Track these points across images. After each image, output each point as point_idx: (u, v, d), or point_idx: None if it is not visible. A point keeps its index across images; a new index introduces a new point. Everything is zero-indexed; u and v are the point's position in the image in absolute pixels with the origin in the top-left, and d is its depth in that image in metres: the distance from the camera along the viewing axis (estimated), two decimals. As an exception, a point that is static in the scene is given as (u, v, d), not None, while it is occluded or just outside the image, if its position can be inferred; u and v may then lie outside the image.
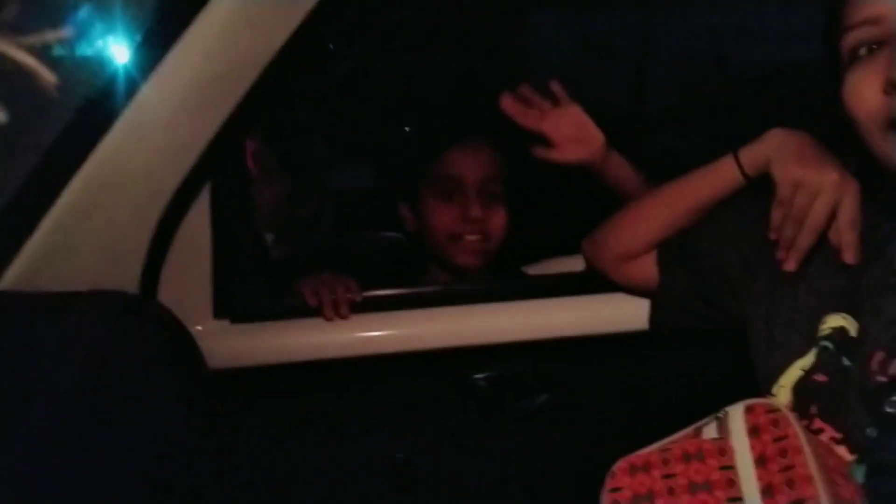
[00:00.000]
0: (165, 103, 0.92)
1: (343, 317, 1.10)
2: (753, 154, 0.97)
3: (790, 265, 0.91)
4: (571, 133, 1.23)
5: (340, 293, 1.11)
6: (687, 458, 0.75)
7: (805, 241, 0.91)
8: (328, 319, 1.10)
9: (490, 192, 1.37)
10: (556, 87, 1.26)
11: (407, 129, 1.78)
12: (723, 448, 0.74)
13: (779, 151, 0.95)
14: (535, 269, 1.41)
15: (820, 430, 0.82)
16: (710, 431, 0.77)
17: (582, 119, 1.24)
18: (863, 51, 0.79)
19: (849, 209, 0.89)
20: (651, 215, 1.07)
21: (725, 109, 2.01)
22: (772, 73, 2.02)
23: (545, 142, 1.25)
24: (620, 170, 1.25)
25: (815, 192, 0.90)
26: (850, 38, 0.80)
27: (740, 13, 2.18)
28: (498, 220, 1.38)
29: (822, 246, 0.91)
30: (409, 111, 1.95)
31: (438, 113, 1.75)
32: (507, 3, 2.10)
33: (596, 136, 1.24)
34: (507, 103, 1.25)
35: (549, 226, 1.75)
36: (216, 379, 1.05)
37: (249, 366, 1.08)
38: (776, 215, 0.93)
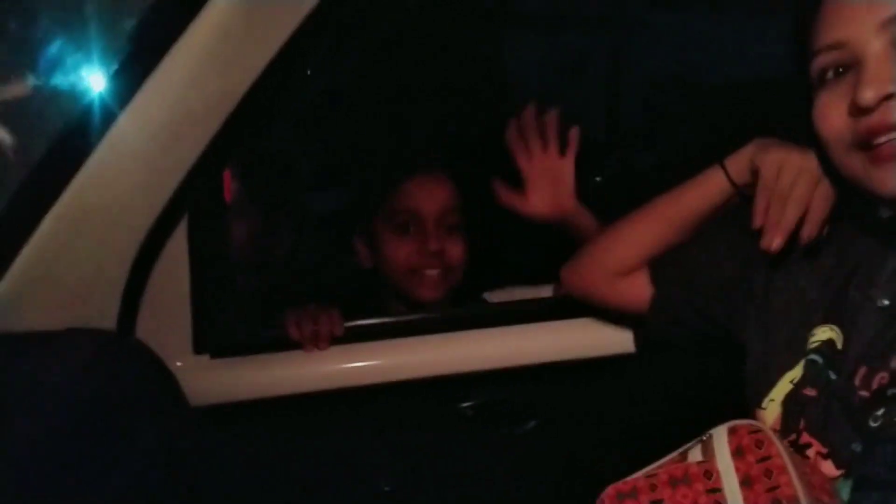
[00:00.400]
0: (141, 136, 0.91)
1: (321, 349, 1.09)
2: (738, 159, 0.98)
3: (777, 243, 0.90)
4: (548, 188, 1.24)
5: (323, 326, 1.10)
6: (674, 482, 0.75)
7: (791, 216, 0.90)
8: (308, 352, 1.09)
9: (448, 223, 1.35)
10: (573, 134, 1.26)
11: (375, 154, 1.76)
12: (708, 471, 0.74)
13: (761, 147, 0.95)
14: (496, 298, 1.40)
15: (807, 445, 0.83)
16: (695, 454, 0.78)
17: (567, 177, 1.25)
18: (830, 74, 0.81)
19: (827, 188, 0.90)
20: (643, 229, 1.06)
21: (699, 129, 2.03)
22: (746, 93, 2.05)
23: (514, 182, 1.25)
24: (581, 224, 1.25)
25: (797, 170, 0.90)
26: (818, 62, 0.81)
27: (712, 33, 2.22)
28: (457, 251, 1.36)
29: (811, 258, 0.92)
30: (367, 142, 1.92)
31: (396, 144, 1.74)
32: (478, 25, 2.10)
33: (568, 201, 1.25)
34: (513, 134, 1.25)
35: (509, 252, 1.74)
36: (197, 415, 1.04)
37: (231, 401, 1.07)
38: (760, 201, 0.92)
